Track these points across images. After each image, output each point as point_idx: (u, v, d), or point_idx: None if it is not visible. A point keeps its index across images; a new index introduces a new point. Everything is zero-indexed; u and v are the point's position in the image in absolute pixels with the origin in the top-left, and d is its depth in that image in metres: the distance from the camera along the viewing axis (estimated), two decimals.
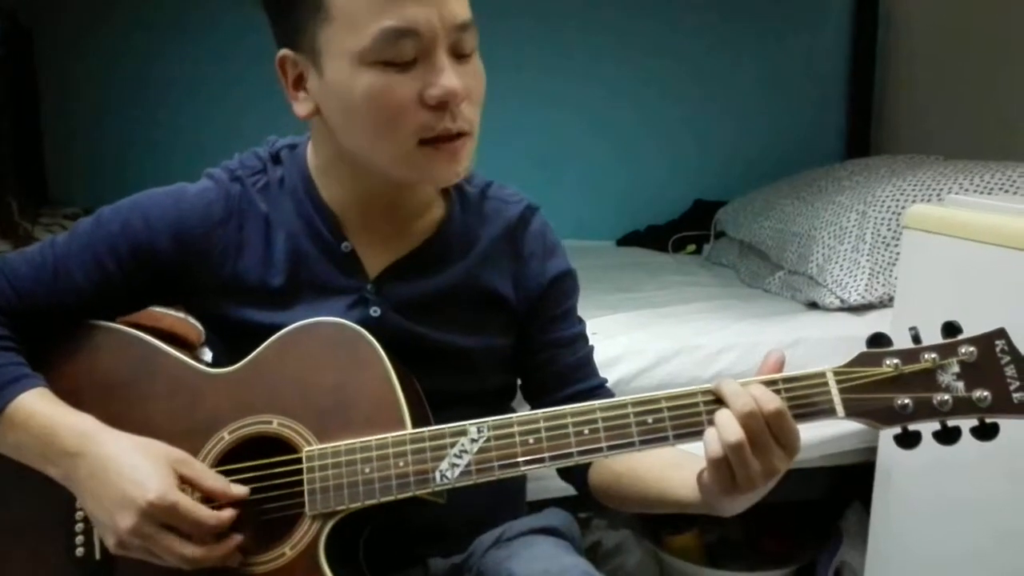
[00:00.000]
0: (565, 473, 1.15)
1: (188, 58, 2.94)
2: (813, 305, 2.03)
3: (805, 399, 0.85)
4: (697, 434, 0.86)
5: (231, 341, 1.05)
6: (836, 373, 0.85)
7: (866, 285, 1.92)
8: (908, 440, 0.84)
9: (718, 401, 0.85)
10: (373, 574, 1.01)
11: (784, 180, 2.65)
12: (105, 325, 1.05)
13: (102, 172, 2.90)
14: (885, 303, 1.91)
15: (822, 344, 1.78)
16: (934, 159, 2.32)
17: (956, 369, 0.83)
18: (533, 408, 1.07)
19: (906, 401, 0.83)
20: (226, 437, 0.97)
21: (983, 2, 2.57)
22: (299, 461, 0.94)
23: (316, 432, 0.95)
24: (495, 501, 1.14)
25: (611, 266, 2.68)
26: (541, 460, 0.89)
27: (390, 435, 0.92)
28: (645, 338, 1.79)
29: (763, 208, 2.50)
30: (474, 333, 1.09)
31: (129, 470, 0.89)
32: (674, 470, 0.98)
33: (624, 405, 0.88)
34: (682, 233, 3.01)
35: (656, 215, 3.18)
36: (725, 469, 0.83)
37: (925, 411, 0.83)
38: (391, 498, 0.90)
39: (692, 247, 2.98)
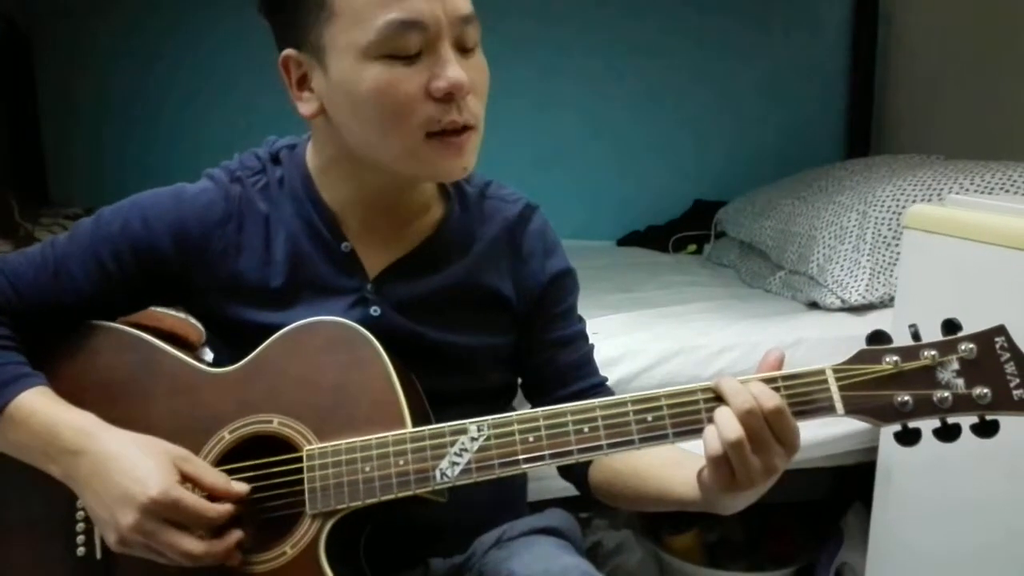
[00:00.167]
0: (565, 471, 1.15)
1: (188, 59, 2.94)
2: (814, 305, 2.03)
3: (805, 396, 0.85)
4: (697, 432, 0.86)
5: (231, 341, 1.06)
6: (836, 370, 0.85)
7: (867, 285, 1.91)
8: (908, 437, 0.84)
9: (718, 399, 0.85)
10: (374, 574, 1.01)
11: (784, 180, 2.65)
12: (106, 325, 1.05)
13: (102, 173, 2.91)
14: (886, 303, 1.91)
15: (823, 344, 1.77)
16: (934, 159, 2.32)
17: (956, 366, 0.83)
18: (534, 407, 1.07)
19: (906, 398, 0.83)
20: (227, 436, 0.97)
21: (983, 2, 2.57)
22: (299, 460, 0.94)
23: (316, 431, 0.95)
24: (496, 501, 1.14)
25: (612, 266, 2.68)
26: (541, 458, 0.89)
27: (390, 434, 0.92)
28: (645, 338, 1.79)
29: (764, 208, 2.50)
30: (474, 332, 1.09)
31: (130, 467, 0.89)
32: (674, 468, 0.98)
33: (624, 403, 0.88)
34: (682, 233, 3.01)
35: (656, 215, 3.18)
36: (725, 467, 0.83)
37: (925, 408, 0.83)
38: (391, 497, 0.90)
39: (692, 247, 2.98)
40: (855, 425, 0.86)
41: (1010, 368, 0.82)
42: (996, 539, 1.41)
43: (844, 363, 0.86)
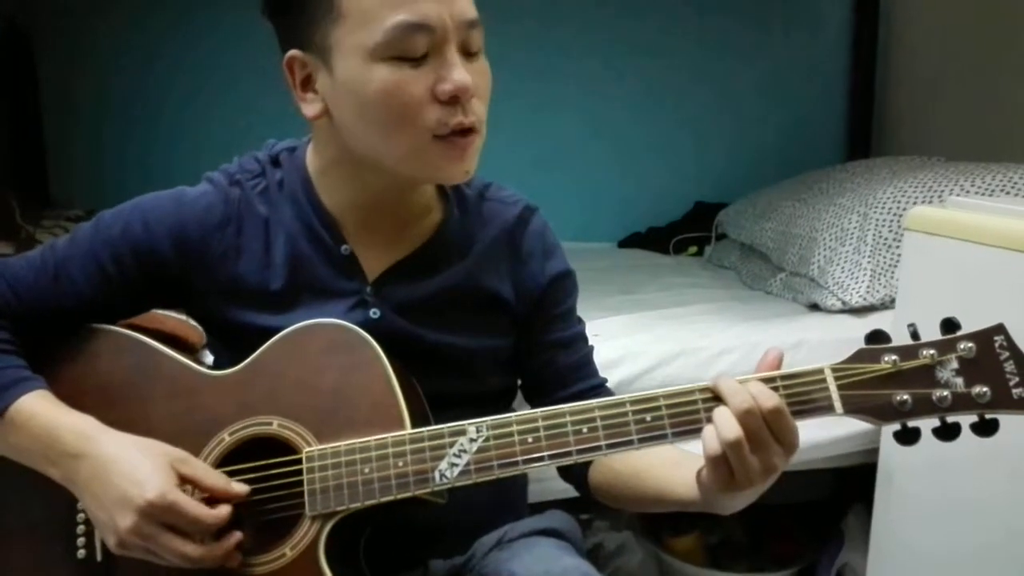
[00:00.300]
0: (565, 472, 1.15)
1: (188, 59, 2.94)
2: (814, 307, 2.03)
3: (803, 396, 0.85)
4: (695, 432, 0.86)
5: (231, 344, 1.05)
6: (834, 370, 0.85)
7: (867, 287, 1.91)
8: (907, 436, 0.84)
9: (716, 399, 0.85)
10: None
11: (785, 182, 2.65)
12: (105, 328, 1.05)
13: (103, 174, 2.91)
14: (887, 305, 1.91)
15: (823, 346, 1.77)
16: (935, 160, 2.32)
17: (955, 365, 0.83)
18: (533, 408, 1.07)
19: (905, 397, 0.83)
20: (226, 439, 0.97)
21: (984, 2, 2.57)
22: (299, 462, 0.94)
23: (316, 433, 0.95)
24: (496, 503, 1.15)
25: (612, 268, 2.68)
26: (540, 459, 0.89)
27: (389, 435, 0.92)
28: (646, 340, 1.79)
29: (764, 210, 2.50)
30: (474, 334, 1.09)
31: (129, 470, 0.89)
32: (673, 468, 0.98)
33: (623, 403, 0.88)
34: (683, 235, 3.01)
35: (657, 217, 3.17)
36: (724, 467, 0.83)
37: (924, 407, 0.83)
38: (390, 498, 0.90)
39: (693, 249, 2.98)
40: (856, 426, 0.86)
41: (1009, 367, 0.82)
42: (997, 540, 1.41)
43: (843, 362, 0.86)
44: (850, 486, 1.99)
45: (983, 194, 1.92)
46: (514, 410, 1.14)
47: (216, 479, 0.93)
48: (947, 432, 0.84)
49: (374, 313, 1.04)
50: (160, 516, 0.87)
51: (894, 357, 0.84)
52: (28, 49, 2.88)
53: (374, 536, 1.00)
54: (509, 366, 1.15)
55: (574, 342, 1.15)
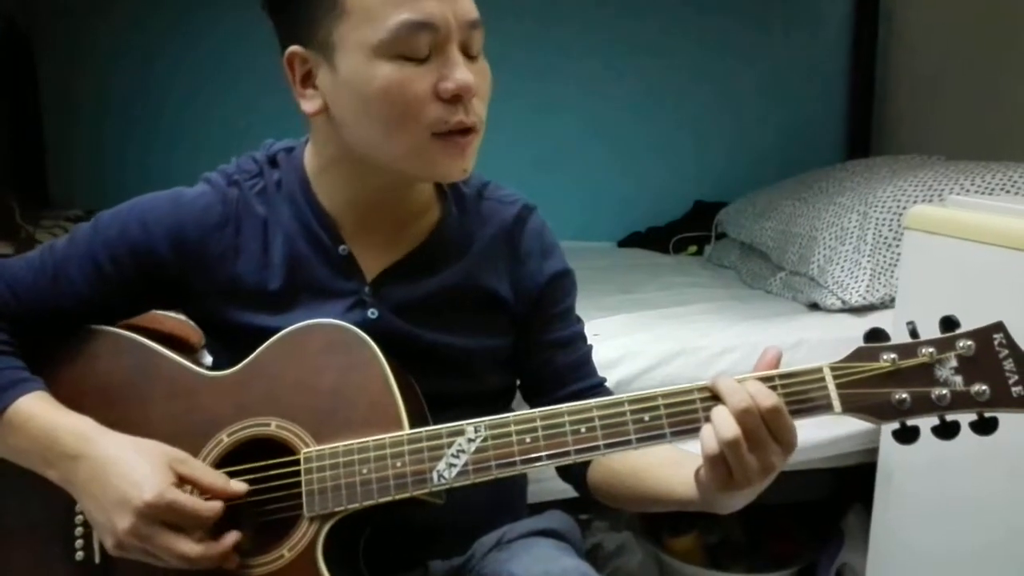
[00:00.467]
0: (564, 472, 1.15)
1: (188, 59, 2.94)
2: (814, 306, 2.03)
3: (802, 395, 0.85)
4: (694, 431, 0.86)
5: (230, 344, 1.05)
6: (833, 368, 0.85)
7: (867, 286, 1.91)
8: (907, 435, 0.84)
9: (715, 398, 0.85)
10: None
11: (785, 181, 2.65)
12: (104, 329, 1.05)
13: (103, 174, 2.91)
14: (886, 304, 1.91)
15: (823, 345, 1.77)
16: (935, 159, 2.32)
17: (954, 363, 0.83)
18: (532, 408, 1.07)
19: (904, 396, 0.83)
20: (225, 439, 0.97)
21: (983, 2, 2.57)
22: (297, 463, 0.94)
23: (314, 434, 0.95)
24: (495, 503, 1.14)
25: (612, 267, 2.68)
26: (538, 459, 0.88)
27: (387, 436, 0.92)
28: (646, 339, 1.79)
29: (764, 209, 2.50)
30: (472, 334, 1.09)
31: (128, 471, 0.89)
32: (672, 468, 0.98)
33: (621, 403, 0.88)
34: (683, 234, 3.01)
35: (657, 216, 3.17)
36: (722, 466, 0.83)
37: (923, 406, 0.83)
38: (389, 499, 0.90)
39: (693, 248, 2.98)
40: (855, 426, 0.86)
41: (1008, 365, 0.81)
42: (996, 539, 1.41)
43: (841, 361, 0.85)
44: (849, 486, 1.99)
45: (983, 193, 1.92)
46: (513, 410, 1.14)
47: (214, 478, 0.93)
48: (946, 431, 0.83)
49: (372, 313, 1.04)
50: (159, 515, 0.87)
51: (893, 355, 0.84)
52: (28, 49, 2.88)
53: (373, 537, 1.00)
54: (508, 366, 1.15)
55: (573, 341, 1.15)
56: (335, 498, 0.91)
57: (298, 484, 0.93)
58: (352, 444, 0.92)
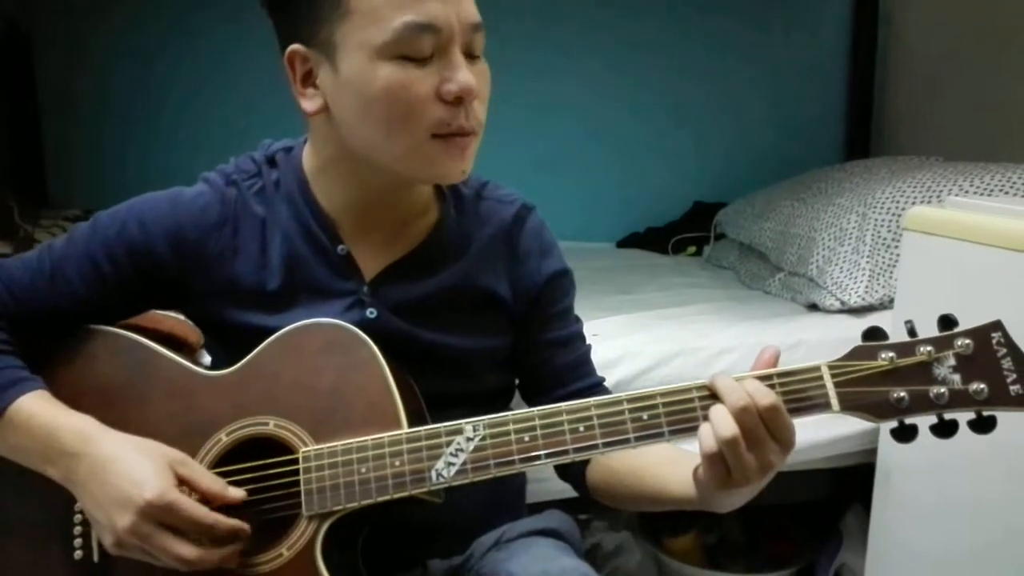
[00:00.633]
0: (563, 471, 1.15)
1: (188, 59, 2.95)
2: (813, 307, 2.03)
3: (800, 393, 0.85)
4: (692, 430, 0.86)
5: (228, 344, 1.05)
6: (831, 367, 0.85)
7: (866, 287, 1.91)
8: (905, 434, 0.84)
9: (713, 396, 0.85)
10: None
11: (784, 182, 2.65)
12: (102, 329, 1.05)
13: (102, 174, 2.91)
14: (885, 305, 1.91)
15: (822, 346, 1.77)
16: (934, 160, 2.32)
17: (952, 362, 0.83)
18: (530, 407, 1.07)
19: (902, 394, 0.83)
20: (223, 439, 0.97)
21: (983, 2, 2.57)
22: (296, 462, 0.94)
23: (313, 433, 0.95)
24: (494, 502, 1.14)
25: (611, 268, 2.68)
26: (537, 458, 0.88)
27: (386, 435, 0.92)
28: (645, 340, 1.79)
29: (763, 210, 2.50)
30: (471, 334, 1.09)
31: (128, 470, 0.89)
32: (670, 467, 0.98)
33: (619, 402, 0.88)
34: (682, 235, 3.01)
35: (656, 217, 3.18)
36: (720, 464, 0.83)
37: (921, 404, 0.83)
38: (387, 498, 0.90)
39: (692, 249, 2.98)
40: (854, 426, 0.86)
41: (1007, 364, 0.81)
42: (995, 539, 1.41)
43: (840, 360, 0.85)
44: (848, 486, 1.98)
45: (981, 194, 1.92)
46: (511, 410, 1.14)
47: (212, 483, 0.92)
48: (944, 429, 0.83)
49: (371, 313, 1.04)
50: (158, 516, 0.87)
51: (891, 354, 0.84)
52: (28, 49, 2.88)
53: (372, 536, 1.00)
54: (506, 365, 1.15)
55: (571, 341, 1.15)
56: (334, 497, 0.91)
57: (297, 483, 0.93)
58: (351, 443, 0.92)
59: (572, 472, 1.13)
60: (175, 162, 2.54)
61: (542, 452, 0.88)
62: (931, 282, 1.51)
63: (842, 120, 3.23)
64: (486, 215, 1.12)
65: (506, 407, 1.18)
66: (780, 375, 0.85)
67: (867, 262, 1.94)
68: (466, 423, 0.90)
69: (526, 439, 0.89)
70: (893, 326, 0.86)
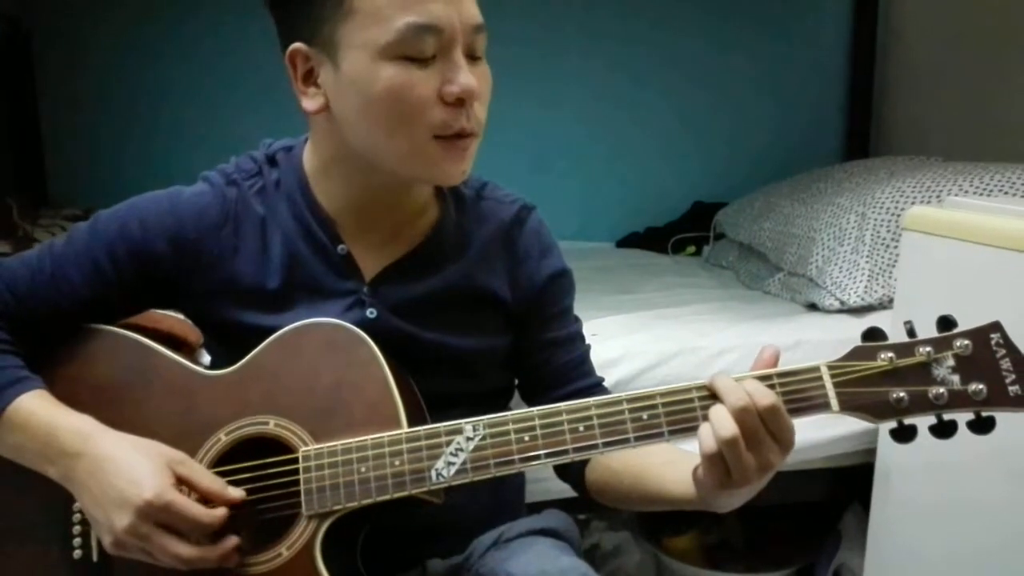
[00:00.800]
0: (562, 471, 1.15)
1: (188, 59, 2.95)
2: (813, 307, 2.03)
3: (799, 393, 0.85)
4: (692, 430, 0.86)
5: (228, 344, 1.05)
6: (830, 367, 0.85)
7: (865, 287, 1.91)
8: (904, 434, 0.84)
9: (713, 396, 0.85)
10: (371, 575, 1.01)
11: (783, 182, 2.65)
12: (102, 329, 1.05)
13: (101, 173, 2.91)
14: (885, 305, 1.90)
15: (822, 346, 1.77)
16: (933, 160, 2.32)
17: (951, 362, 0.83)
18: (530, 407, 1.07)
19: (901, 395, 0.83)
20: (223, 438, 0.97)
21: (983, 2, 2.57)
22: (295, 461, 0.94)
23: (312, 432, 0.95)
24: (494, 502, 1.14)
25: (610, 268, 2.68)
26: (536, 458, 0.88)
27: (386, 434, 0.92)
28: (644, 339, 1.79)
29: (763, 210, 2.50)
30: (471, 334, 1.09)
31: (127, 469, 0.89)
32: (670, 467, 0.98)
33: (619, 402, 0.88)
34: (681, 235, 3.01)
35: (655, 217, 3.18)
36: (720, 464, 0.83)
37: (920, 405, 0.83)
38: (387, 497, 0.90)
39: (691, 248, 2.98)
40: (853, 427, 0.86)
41: (1005, 364, 0.82)
42: (995, 540, 1.41)
43: (839, 360, 0.86)
44: (847, 486, 1.99)
45: (981, 194, 1.92)
46: (511, 409, 1.14)
47: (212, 482, 0.93)
48: (943, 430, 0.84)
49: (371, 313, 1.04)
50: (157, 516, 0.87)
51: (890, 354, 0.84)
52: (28, 47, 2.88)
53: (371, 536, 1.00)
54: (506, 365, 1.15)
55: (571, 341, 1.15)
56: (333, 497, 0.91)
57: (296, 483, 0.93)
58: (350, 443, 0.92)
59: (571, 472, 1.13)
60: (175, 162, 2.54)
61: (542, 452, 0.88)
62: (930, 282, 1.51)
63: (841, 120, 3.23)
64: (486, 215, 1.12)
65: (506, 407, 1.18)
66: (780, 375, 0.86)
67: (866, 262, 1.94)
68: (466, 423, 0.90)
69: (526, 439, 0.89)
70: (892, 326, 0.86)
